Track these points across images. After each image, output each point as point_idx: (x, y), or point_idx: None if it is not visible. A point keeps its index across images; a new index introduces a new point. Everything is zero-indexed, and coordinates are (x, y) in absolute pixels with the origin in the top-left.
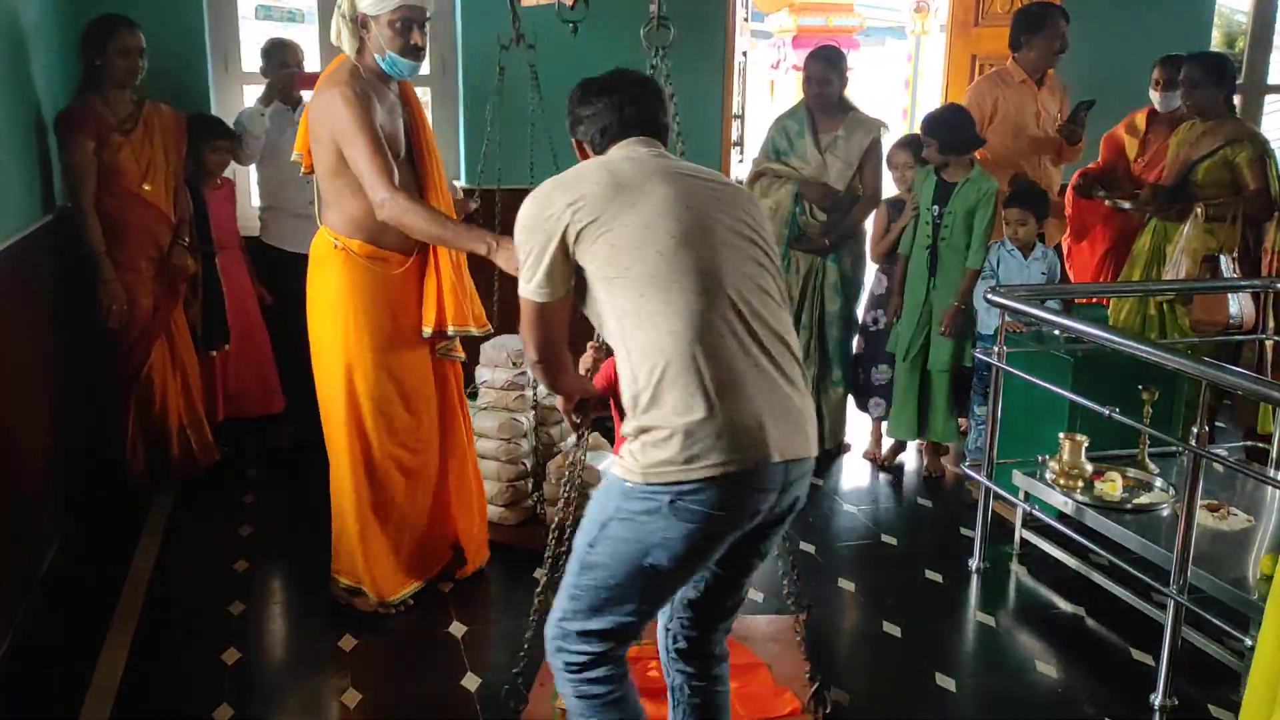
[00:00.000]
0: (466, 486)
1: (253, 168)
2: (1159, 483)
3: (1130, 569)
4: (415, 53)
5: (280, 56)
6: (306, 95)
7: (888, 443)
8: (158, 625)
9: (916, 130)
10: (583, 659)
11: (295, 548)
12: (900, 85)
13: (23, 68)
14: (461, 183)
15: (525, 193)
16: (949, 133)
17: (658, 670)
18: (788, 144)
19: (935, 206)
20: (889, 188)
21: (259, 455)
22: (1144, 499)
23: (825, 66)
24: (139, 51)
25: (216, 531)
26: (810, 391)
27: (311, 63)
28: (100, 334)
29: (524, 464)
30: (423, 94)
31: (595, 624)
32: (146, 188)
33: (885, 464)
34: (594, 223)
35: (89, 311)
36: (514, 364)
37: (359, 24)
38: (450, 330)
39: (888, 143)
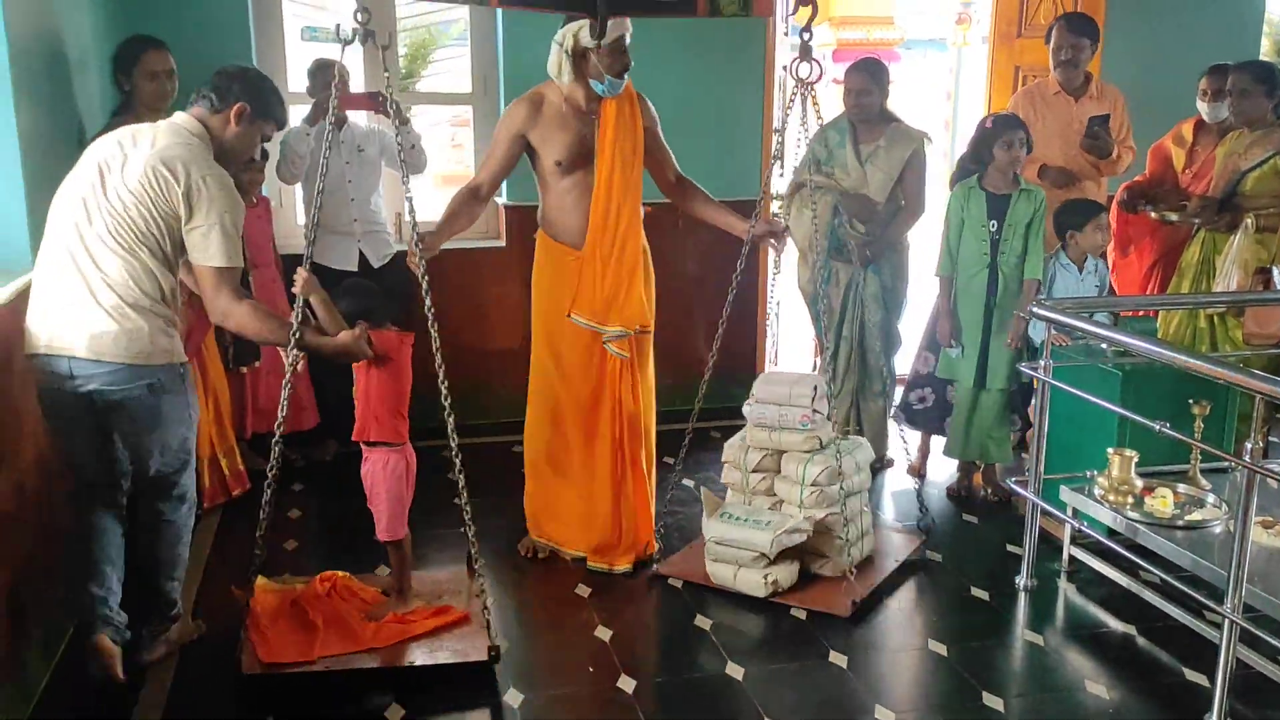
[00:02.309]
0: (603, 480)
1: (298, 187)
2: (1211, 499)
3: (1183, 587)
4: (625, 70)
5: (326, 77)
6: (352, 115)
7: (937, 459)
8: (203, 638)
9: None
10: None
11: (339, 563)
12: (942, 97)
13: (69, 92)
14: (503, 199)
15: None
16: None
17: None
18: (828, 155)
19: (992, 222)
20: (940, 199)
21: (302, 470)
22: (1196, 515)
23: (864, 78)
24: (167, 73)
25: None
26: None
27: (356, 83)
28: None
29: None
30: (464, 112)
31: None
32: None
33: (961, 493)
34: None
35: None
36: (757, 400)
37: (579, 56)
38: (573, 317)
39: (930, 154)
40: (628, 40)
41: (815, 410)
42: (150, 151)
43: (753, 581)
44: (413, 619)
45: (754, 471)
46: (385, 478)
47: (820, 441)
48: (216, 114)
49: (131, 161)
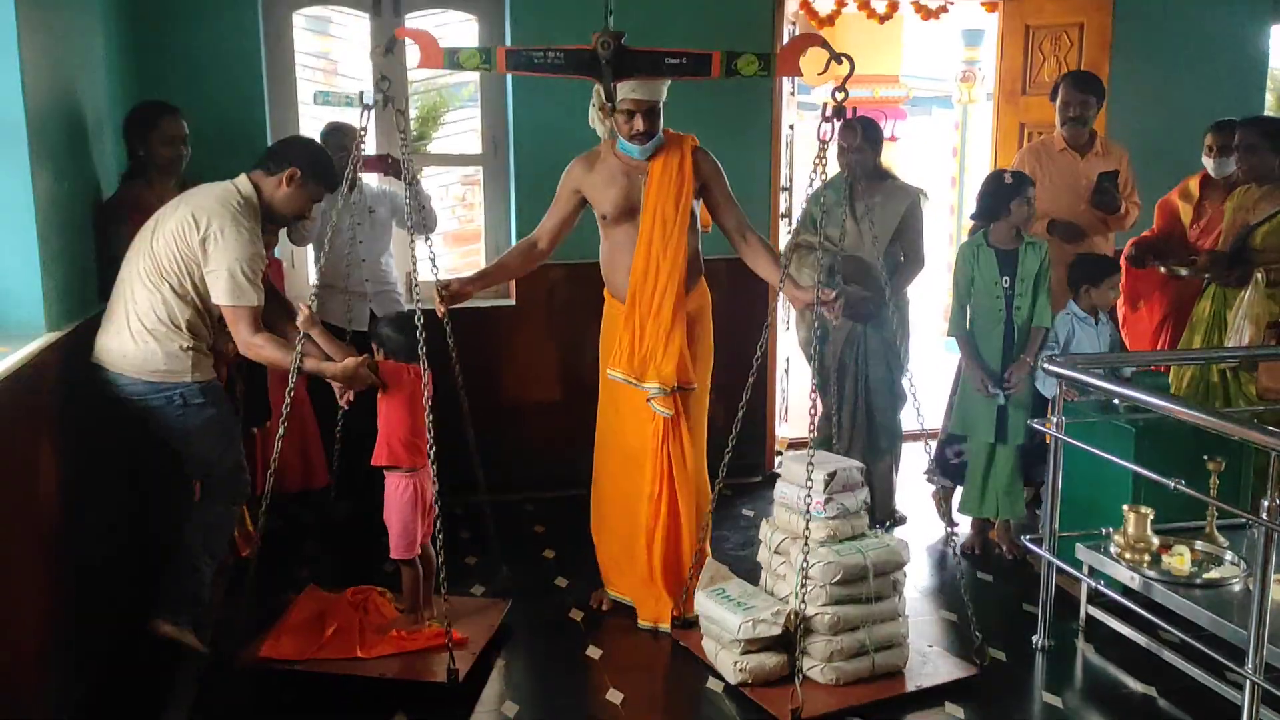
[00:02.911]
0: (644, 534)
1: (309, 248)
2: (1229, 556)
3: (1203, 647)
4: (637, 137)
5: (339, 140)
6: (364, 177)
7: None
8: (214, 703)
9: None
10: None
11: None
12: (948, 153)
13: (86, 157)
14: None
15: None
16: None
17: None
18: (824, 214)
19: (1005, 278)
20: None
21: (314, 529)
22: (1214, 574)
23: (854, 135)
24: (182, 139)
25: (272, 606)
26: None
27: (368, 146)
28: None
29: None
30: (474, 172)
31: None
32: None
33: (975, 551)
34: None
35: None
36: (783, 479)
37: (606, 112)
38: (609, 373)
39: (929, 209)
40: (656, 104)
41: (831, 498)
42: (188, 205)
43: (726, 665)
44: (412, 636)
45: (775, 553)
46: (396, 500)
47: (836, 533)
48: (270, 176)
49: (177, 212)
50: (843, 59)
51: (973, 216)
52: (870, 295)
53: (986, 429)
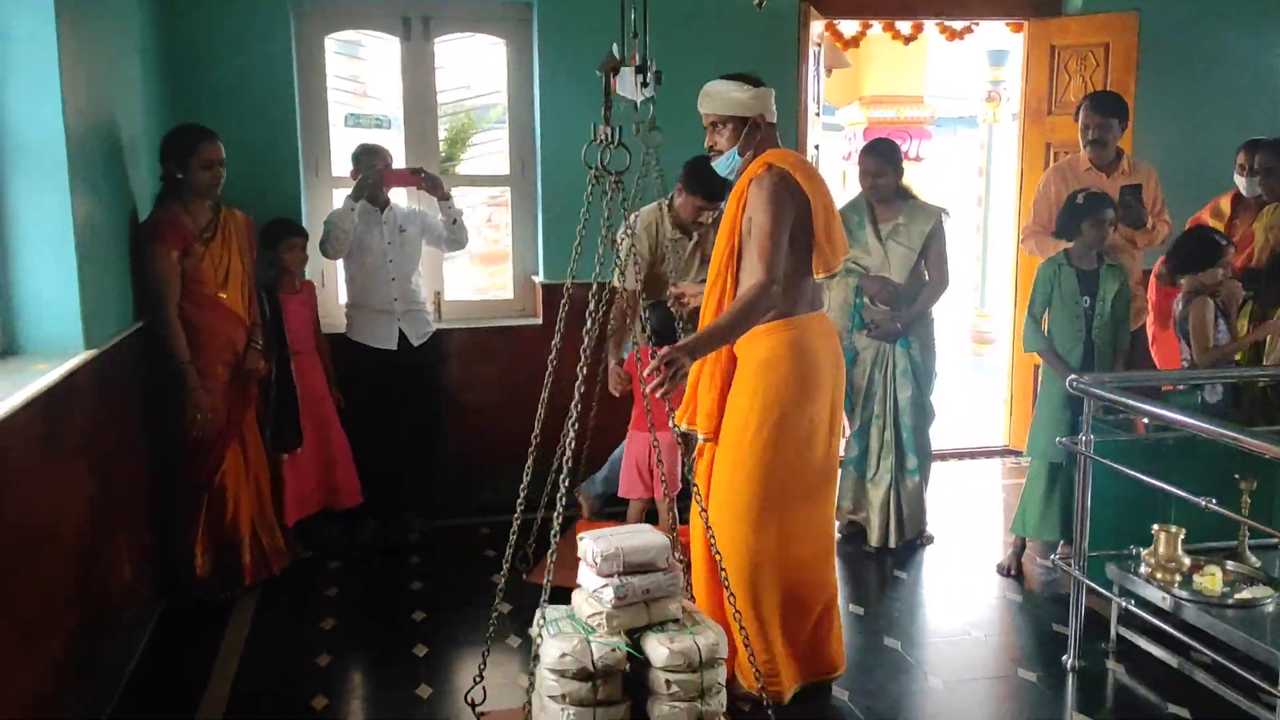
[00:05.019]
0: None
1: (340, 266)
2: (1261, 576)
3: (1235, 668)
4: (711, 150)
5: (370, 161)
6: (394, 195)
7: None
8: None
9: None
10: None
11: (378, 641)
12: (974, 173)
13: (123, 178)
14: (540, 277)
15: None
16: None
17: None
18: (849, 237)
19: (1085, 298)
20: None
21: (344, 549)
22: (1246, 594)
23: (877, 159)
24: (220, 162)
25: (300, 625)
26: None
27: (398, 165)
28: (174, 441)
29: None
30: (502, 193)
31: None
32: (223, 295)
33: (1011, 571)
34: None
35: (165, 418)
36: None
37: None
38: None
39: (951, 227)
40: (712, 115)
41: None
42: None
43: None
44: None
45: None
46: (627, 449)
47: (578, 611)
48: (679, 190)
49: None
50: (650, 72)
51: (1054, 234)
52: (898, 315)
53: (1056, 450)
